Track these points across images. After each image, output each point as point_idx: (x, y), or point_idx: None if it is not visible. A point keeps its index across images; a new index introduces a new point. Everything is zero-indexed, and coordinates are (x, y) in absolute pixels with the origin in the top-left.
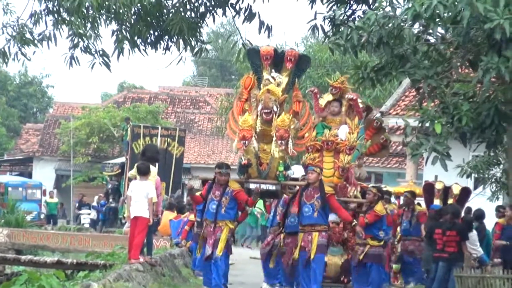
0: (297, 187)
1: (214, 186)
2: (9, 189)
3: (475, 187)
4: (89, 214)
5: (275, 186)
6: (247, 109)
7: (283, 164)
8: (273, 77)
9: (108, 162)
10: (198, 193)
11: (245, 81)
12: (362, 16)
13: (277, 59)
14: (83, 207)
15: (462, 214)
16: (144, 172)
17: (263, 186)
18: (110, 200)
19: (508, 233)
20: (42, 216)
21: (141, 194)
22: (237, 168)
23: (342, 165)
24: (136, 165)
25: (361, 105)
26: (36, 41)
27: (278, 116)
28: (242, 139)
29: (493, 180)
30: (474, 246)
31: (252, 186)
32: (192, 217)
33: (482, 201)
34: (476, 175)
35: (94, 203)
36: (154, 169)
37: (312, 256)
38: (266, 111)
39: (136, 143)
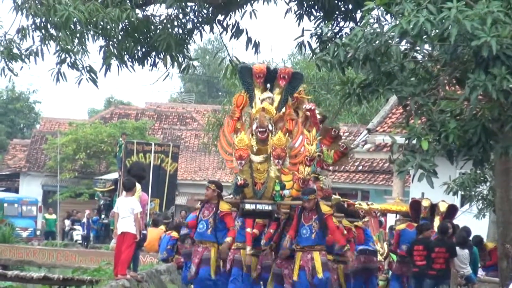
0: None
1: (205, 205)
2: (5, 205)
3: (462, 205)
4: (79, 230)
5: (271, 206)
6: (239, 128)
7: (279, 184)
8: (269, 97)
9: (101, 178)
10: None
11: (237, 100)
12: (349, 33)
13: (269, 77)
14: (76, 223)
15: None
16: (129, 188)
17: (258, 206)
18: (103, 216)
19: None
20: (38, 232)
21: (128, 210)
22: (232, 189)
23: (302, 177)
24: (122, 181)
25: (318, 116)
26: (23, 57)
27: (271, 135)
28: (238, 159)
29: (479, 197)
30: (463, 265)
31: (247, 206)
32: (175, 233)
33: (469, 218)
34: (462, 193)
35: (84, 220)
36: (137, 186)
37: (320, 275)
38: (261, 129)
39: (129, 160)
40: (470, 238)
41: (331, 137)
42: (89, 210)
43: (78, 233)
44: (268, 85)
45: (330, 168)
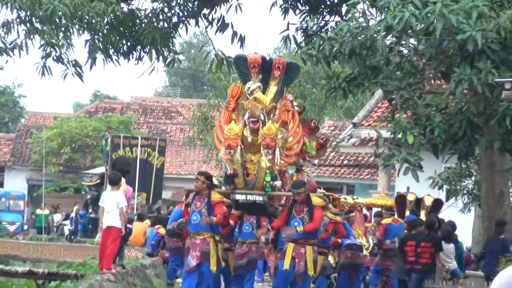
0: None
1: (196, 196)
2: None
3: (447, 199)
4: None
5: (262, 197)
6: (235, 119)
7: (270, 174)
8: (249, 87)
9: (87, 172)
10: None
11: (232, 90)
12: (335, 27)
13: (265, 67)
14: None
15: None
16: (114, 182)
17: (249, 197)
18: (90, 210)
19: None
20: (26, 227)
21: (113, 204)
22: (222, 179)
23: (279, 168)
24: (107, 175)
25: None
26: (8, 50)
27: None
28: (227, 148)
29: (465, 191)
30: (449, 259)
31: (238, 196)
32: (162, 230)
33: (454, 212)
34: (448, 187)
35: (72, 214)
36: (122, 180)
37: (311, 272)
38: (253, 119)
39: (115, 153)
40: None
41: (310, 128)
42: (78, 205)
43: (68, 228)
44: (260, 76)
45: (315, 161)
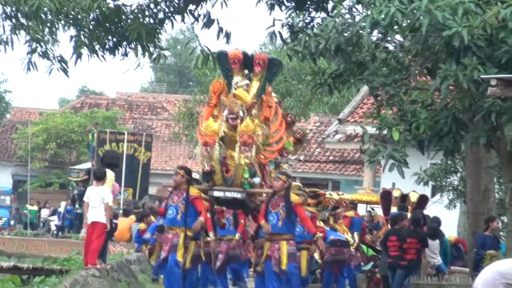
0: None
1: (174, 191)
2: None
3: (433, 195)
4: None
5: (241, 194)
6: (216, 115)
7: (248, 171)
8: (236, 82)
9: (74, 168)
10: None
11: (214, 86)
12: (321, 23)
13: (248, 63)
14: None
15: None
16: (99, 178)
17: (228, 194)
18: (77, 206)
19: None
20: (12, 222)
21: (98, 200)
22: (200, 175)
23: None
24: (92, 170)
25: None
26: None
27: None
28: (204, 145)
29: (450, 188)
30: (434, 255)
31: (216, 193)
32: (142, 225)
33: (439, 209)
34: (433, 183)
35: (61, 209)
36: (111, 174)
37: (284, 267)
38: (231, 116)
39: (102, 149)
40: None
41: (286, 123)
42: (67, 200)
43: (55, 223)
44: (246, 72)
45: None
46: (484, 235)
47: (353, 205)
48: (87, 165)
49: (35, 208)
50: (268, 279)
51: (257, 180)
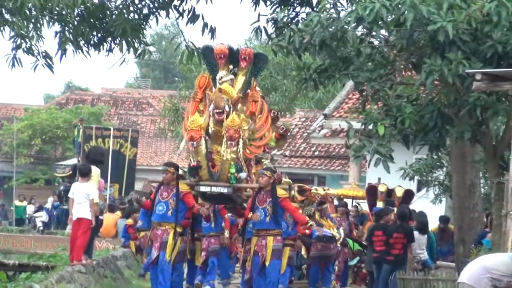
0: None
1: (162, 187)
2: None
3: (418, 190)
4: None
5: (227, 189)
6: (202, 110)
7: (235, 166)
8: (221, 77)
9: (60, 164)
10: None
11: (199, 81)
12: (305, 18)
13: (233, 58)
14: (41, 209)
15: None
16: (84, 174)
17: (214, 189)
18: (63, 202)
19: None
20: None
21: (83, 196)
22: (187, 170)
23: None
24: (77, 166)
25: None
26: None
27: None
28: (190, 140)
29: (436, 183)
30: (420, 250)
31: (203, 188)
32: (130, 220)
33: (425, 203)
34: (419, 178)
35: (48, 205)
36: (97, 171)
37: (267, 263)
38: (217, 111)
39: (88, 144)
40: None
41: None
42: (53, 196)
43: (41, 219)
44: (231, 67)
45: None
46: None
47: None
48: (73, 161)
49: (24, 204)
50: (255, 274)
51: (243, 175)
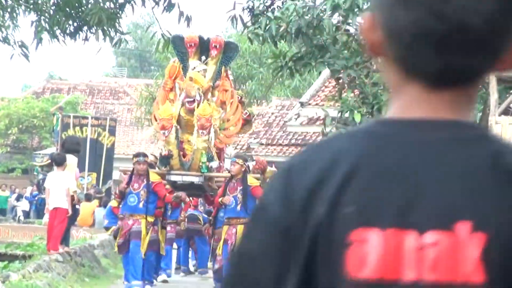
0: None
1: (133, 178)
2: None
3: None
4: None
5: (198, 178)
6: (172, 99)
7: (206, 155)
8: (194, 67)
9: (39, 153)
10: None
11: (169, 70)
12: (281, 6)
13: (204, 47)
14: (21, 198)
15: None
16: (59, 163)
17: (185, 178)
18: (42, 191)
19: None
20: None
21: (59, 185)
22: (158, 160)
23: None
24: (52, 155)
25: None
26: None
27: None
28: (161, 129)
29: None
30: None
31: (174, 178)
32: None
33: None
34: None
35: (27, 194)
36: (73, 160)
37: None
38: (188, 100)
39: (65, 133)
40: None
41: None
42: (32, 186)
43: (21, 209)
44: (204, 57)
45: (263, 140)
46: None
47: None
48: (52, 150)
49: (7, 194)
50: (226, 262)
51: (214, 164)
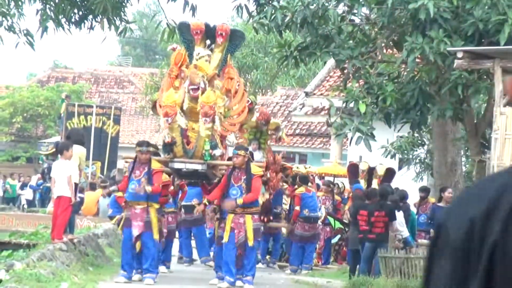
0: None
1: (135, 165)
2: None
3: (400, 168)
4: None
5: (201, 166)
6: (178, 86)
7: (209, 143)
8: (198, 53)
9: (44, 141)
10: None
11: (175, 57)
12: None
13: (210, 35)
14: (24, 187)
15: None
16: (60, 151)
17: (189, 166)
18: (47, 180)
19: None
20: None
21: (63, 174)
22: (161, 147)
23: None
24: (57, 144)
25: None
26: None
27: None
28: (165, 116)
29: (417, 160)
30: (401, 227)
31: (177, 165)
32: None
33: (407, 181)
34: (400, 156)
35: (32, 183)
36: (80, 150)
37: (251, 243)
38: (193, 87)
39: (70, 122)
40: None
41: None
42: (36, 175)
43: (26, 197)
44: (208, 42)
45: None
46: (435, 206)
47: (304, 179)
48: (57, 138)
49: (16, 182)
50: (227, 248)
51: (218, 152)
